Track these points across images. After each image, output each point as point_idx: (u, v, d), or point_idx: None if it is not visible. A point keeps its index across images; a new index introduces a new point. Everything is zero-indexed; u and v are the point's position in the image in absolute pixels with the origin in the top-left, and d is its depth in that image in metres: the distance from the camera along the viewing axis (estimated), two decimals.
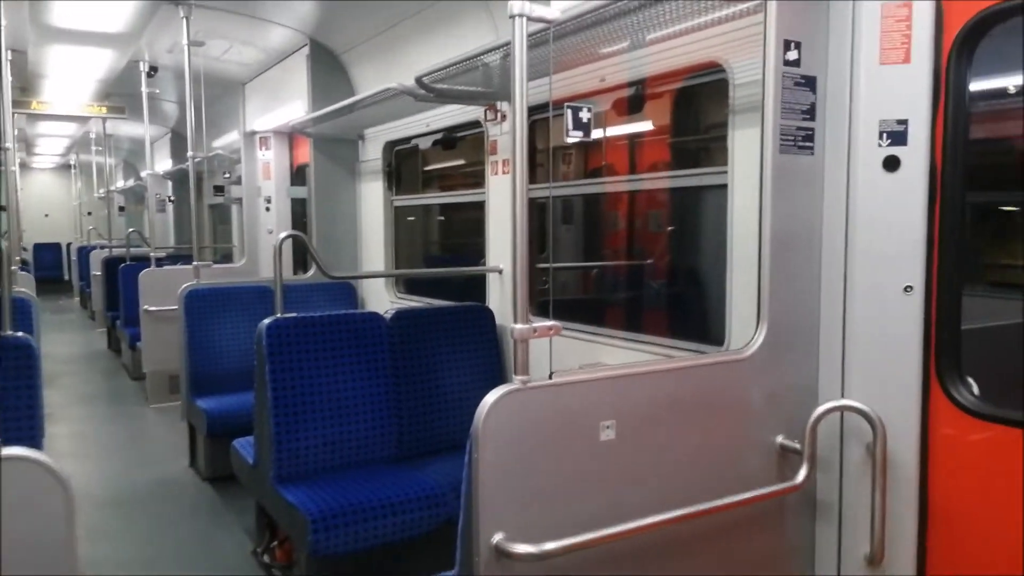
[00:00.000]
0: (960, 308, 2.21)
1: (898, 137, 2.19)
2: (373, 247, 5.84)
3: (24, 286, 4.27)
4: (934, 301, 2.20)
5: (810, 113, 2.32)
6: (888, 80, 2.21)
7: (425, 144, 5.23)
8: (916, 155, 2.19)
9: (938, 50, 2.16)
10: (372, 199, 5.82)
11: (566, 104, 2.14)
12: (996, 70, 2.44)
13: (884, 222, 2.23)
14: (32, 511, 1.61)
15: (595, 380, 2.08)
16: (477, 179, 4.79)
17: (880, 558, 2.27)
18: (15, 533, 1.61)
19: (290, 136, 6.97)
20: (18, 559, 1.61)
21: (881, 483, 2.22)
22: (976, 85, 2.22)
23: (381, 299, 5.52)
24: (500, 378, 3.92)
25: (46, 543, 1.63)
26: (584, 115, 2.12)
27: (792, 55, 2.27)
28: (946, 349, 2.20)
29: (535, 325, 1.91)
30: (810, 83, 2.31)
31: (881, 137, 2.21)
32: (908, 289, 2.20)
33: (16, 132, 8.72)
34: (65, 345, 10.30)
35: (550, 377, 1.97)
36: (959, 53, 2.15)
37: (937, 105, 2.16)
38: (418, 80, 3.82)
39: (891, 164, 2.21)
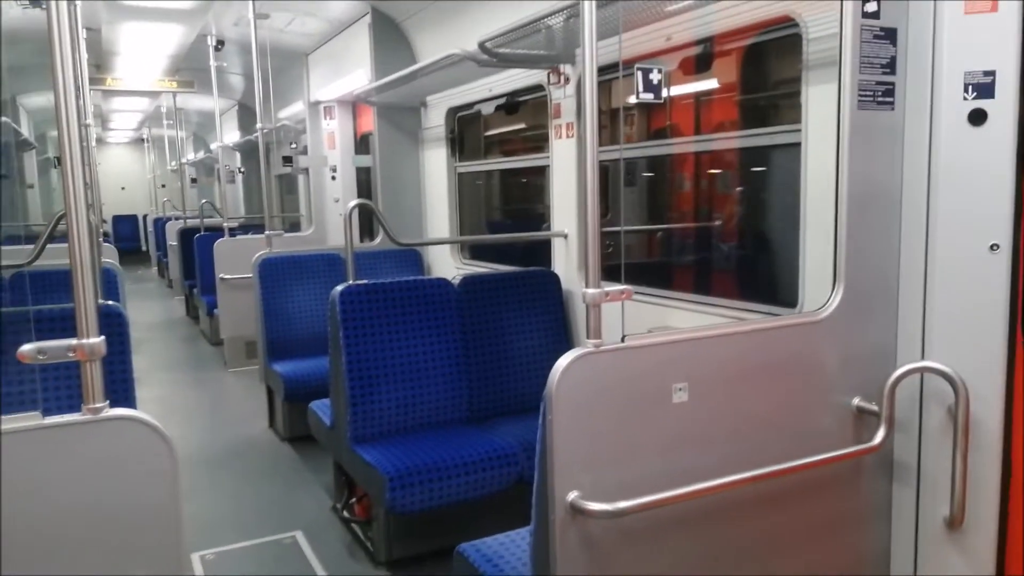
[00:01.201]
0: None
1: (985, 90, 2.10)
2: (437, 214, 5.90)
3: (108, 257, 4.47)
4: (1022, 260, 2.12)
5: (890, 67, 2.24)
6: (974, 30, 2.11)
7: (487, 109, 5.22)
8: (1004, 108, 2.10)
9: None
10: (435, 166, 5.87)
11: (636, 65, 2.12)
12: None
13: (969, 178, 2.16)
14: (139, 468, 1.72)
15: (667, 343, 2.09)
16: (538, 143, 4.77)
17: (960, 521, 2.24)
18: (125, 489, 1.72)
19: (353, 105, 7.05)
20: (127, 513, 1.73)
21: (963, 445, 2.18)
22: None
23: (447, 265, 5.60)
24: (566, 342, 3.95)
25: (153, 498, 1.74)
26: (655, 76, 2.10)
27: (871, 6, 2.18)
28: None
29: (607, 289, 1.92)
30: (890, 35, 2.23)
31: (966, 90, 2.12)
32: (994, 248, 2.13)
33: (93, 108, 9.03)
34: (146, 313, 10.76)
35: (622, 340, 1.99)
36: None
37: None
38: (481, 45, 3.81)
39: (977, 118, 2.12)
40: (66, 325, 1.70)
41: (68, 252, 1.64)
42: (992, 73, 2.10)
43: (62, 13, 1.57)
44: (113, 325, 2.71)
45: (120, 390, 2.72)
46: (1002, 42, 2.09)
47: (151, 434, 1.72)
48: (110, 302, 2.90)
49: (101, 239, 5.31)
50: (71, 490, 1.68)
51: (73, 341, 1.64)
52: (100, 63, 8.32)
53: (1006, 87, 2.09)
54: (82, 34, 5.60)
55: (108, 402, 1.69)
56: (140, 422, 1.72)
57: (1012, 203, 2.12)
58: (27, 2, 5.32)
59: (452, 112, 5.58)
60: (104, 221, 13.52)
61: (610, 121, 4.19)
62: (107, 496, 1.71)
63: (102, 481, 1.70)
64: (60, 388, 2.61)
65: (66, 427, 1.66)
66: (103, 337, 1.66)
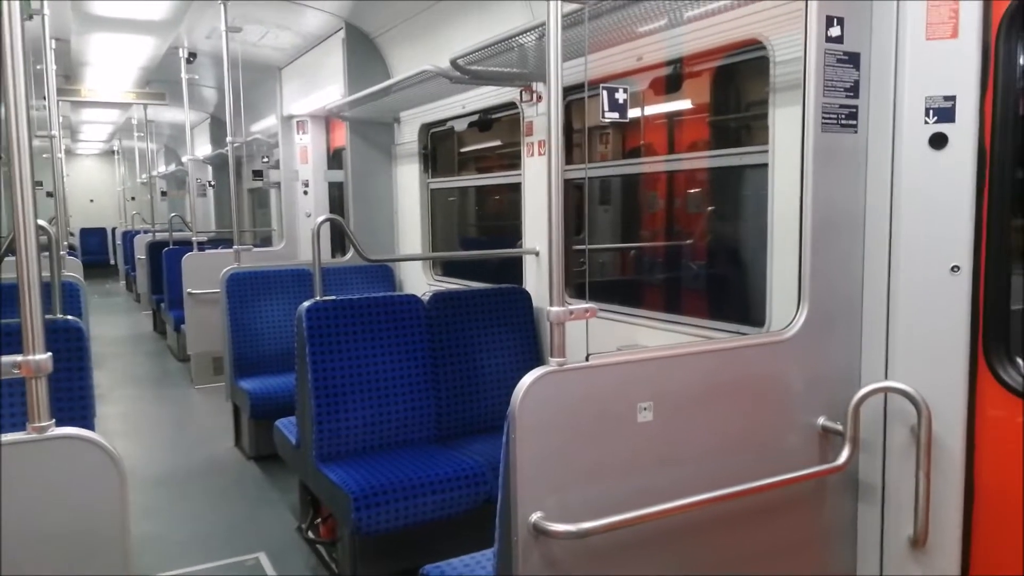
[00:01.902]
0: (1009, 288, 2.16)
1: (945, 114, 2.14)
2: (409, 230, 5.88)
3: (72, 270, 4.38)
4: (982, 281, 2.15)
5: (853, 90, 2.27)
6: (935, 56, 2.15)
7: (460, 126, 5.23)
8: (964, 132, 2.13)
9: (987, 25, 2.10)
10: (408, 182, 5.85)
11: (602, 85, 2.13)
12: None
13: (930, 201, 2.19)
14: (86, 489, 1.67)
15: (632, 362, 2.08)
16: (512, 160, 4.78)
17: (924, 540, 2.25)
18: (70, 510, 1.67)
19: (327, 120, 7.02)
20: (73, 535, 1.68)
21: (925, 465, 2.20)
22: None
23: (418, 281, 5.57)
24: (537, 359, 3.94)
25: (100, 520, 1.69)
26: (620, 96, 2.10)
27: (834, 31, 2.22)
28: (994, 329, 2.15)
29: (571, 308, 1.91)
30: (853, 60, 2.26)
31: (928, 114, 2.16)
32: (955, 269, 2.16)
33: (61, 119, 8.90)
34: (112, 327, 10.58)
35: (587, 359, 1.98)
36: (1009, 27, 2.08)
37: (986, 81, 2.10)
38: (453, 62, 3.82)
39: (938, 141, 2.16)
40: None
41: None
42: (952, 98, 2.14)
43: (14, 18, 1.53)
44: (72, 340, 2.66)
45: (79, 407, 2.66)
46: (962, 68, 2.12)
47: (99, 453, 1.67)
48: (69, 317, 2.83)
49: (65, 252, 5.21)
50: (13, 512, 1.62)
51: (19, 357, 1.59)
52: (69, 74, 8.21)
53: (966, 112, 2.13)
54: (51, 44, 5.55)
55: (54, 420, 1.64)
56: (87, 441, 1.67)
57: (972, 225, 2.15)
58: None
59: (425, 128, 5.57)
60: (71, 234, 13.35)
61: (584, 140, 4.21)
62: (51, 518, 1.65)
63: (46, 503, 1.64)
64: (15, 405, 2.54)
65: (8, 447, 1.61)
66: (49, 354, 1.61)
